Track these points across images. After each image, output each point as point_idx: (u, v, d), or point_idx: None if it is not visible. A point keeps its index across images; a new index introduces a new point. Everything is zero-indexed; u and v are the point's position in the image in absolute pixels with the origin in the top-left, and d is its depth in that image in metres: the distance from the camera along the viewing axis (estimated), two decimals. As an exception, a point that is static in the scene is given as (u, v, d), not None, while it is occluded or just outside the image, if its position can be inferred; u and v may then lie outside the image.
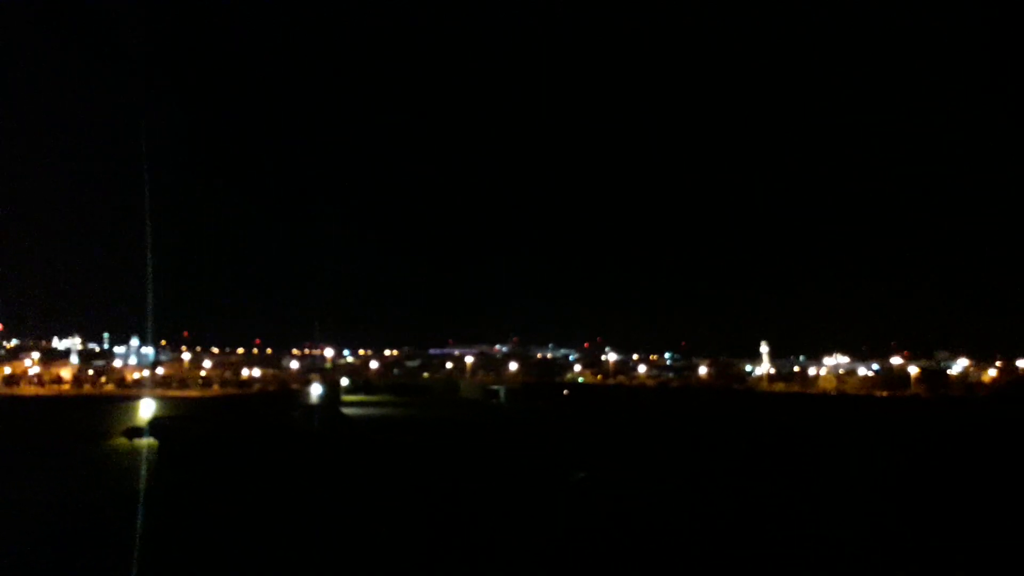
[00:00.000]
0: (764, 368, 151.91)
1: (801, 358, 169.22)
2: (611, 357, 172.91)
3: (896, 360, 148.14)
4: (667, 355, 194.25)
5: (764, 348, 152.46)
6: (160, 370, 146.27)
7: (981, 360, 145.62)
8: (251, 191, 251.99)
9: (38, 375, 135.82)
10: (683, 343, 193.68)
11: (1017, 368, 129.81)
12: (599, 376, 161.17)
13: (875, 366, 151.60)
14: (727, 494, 30.51)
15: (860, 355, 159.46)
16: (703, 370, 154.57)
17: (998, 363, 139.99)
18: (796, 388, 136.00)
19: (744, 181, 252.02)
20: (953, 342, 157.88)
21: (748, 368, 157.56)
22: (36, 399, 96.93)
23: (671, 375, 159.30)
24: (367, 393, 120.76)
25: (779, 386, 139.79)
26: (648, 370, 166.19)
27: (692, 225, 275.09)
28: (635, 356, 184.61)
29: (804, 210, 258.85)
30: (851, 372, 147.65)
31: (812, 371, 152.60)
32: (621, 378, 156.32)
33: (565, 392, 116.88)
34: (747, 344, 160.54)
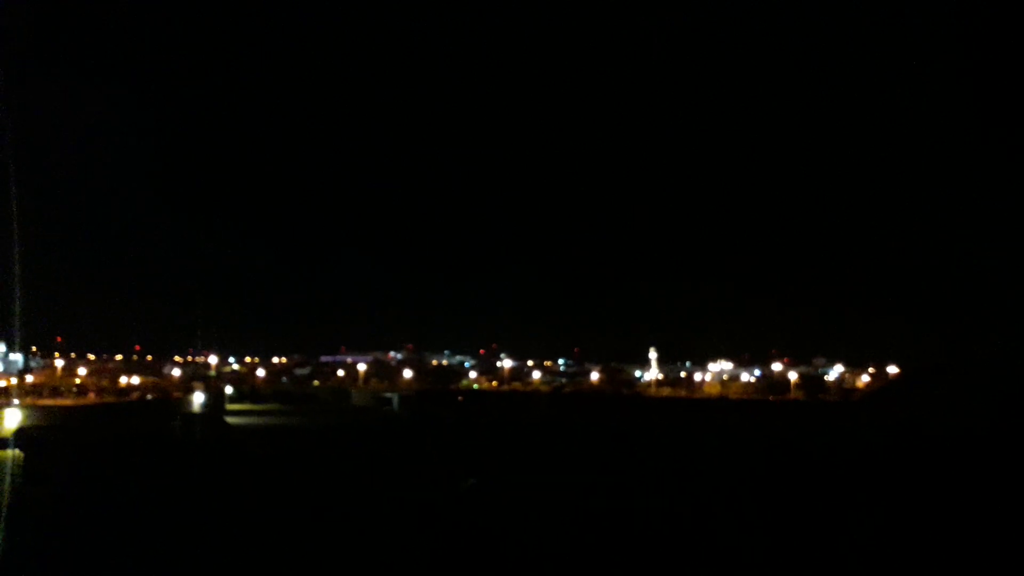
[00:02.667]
0: (652, 374, 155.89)
1: (688, 364, 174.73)
2: (506, 364, 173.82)
3: (777, 366, 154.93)
4: (560, 361, 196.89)
5: (652, 354, 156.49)
6: (30, 378, 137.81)
7: (856, 366, 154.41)
8: (131, 188, 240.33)
9: None
10: (576, 349, 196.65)
11: (887, 374, 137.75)
12: (494, 383, 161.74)
13: (757, 372, 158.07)
14: (616, 497, 30.98)
15: (743, 361, 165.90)
16: (595, 376, 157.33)
17: (871, 369, 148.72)
18: (683, 393, 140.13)
19: (629, 187, 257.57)
20: (830, 349, 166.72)
21: (638, 374, 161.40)
22: None
23: (564, 381, 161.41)
24: (253, 402, 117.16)
25: (666, 391, 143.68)
26: (542, 376, 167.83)
27: (583, 232, 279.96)
28: (530, 362, 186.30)
29: (690, 218, 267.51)
30: (735, 378, 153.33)
31: (698, 377, 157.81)
32: (516, 384, 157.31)
33: (460, 399, 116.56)
34: (637, 350, 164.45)
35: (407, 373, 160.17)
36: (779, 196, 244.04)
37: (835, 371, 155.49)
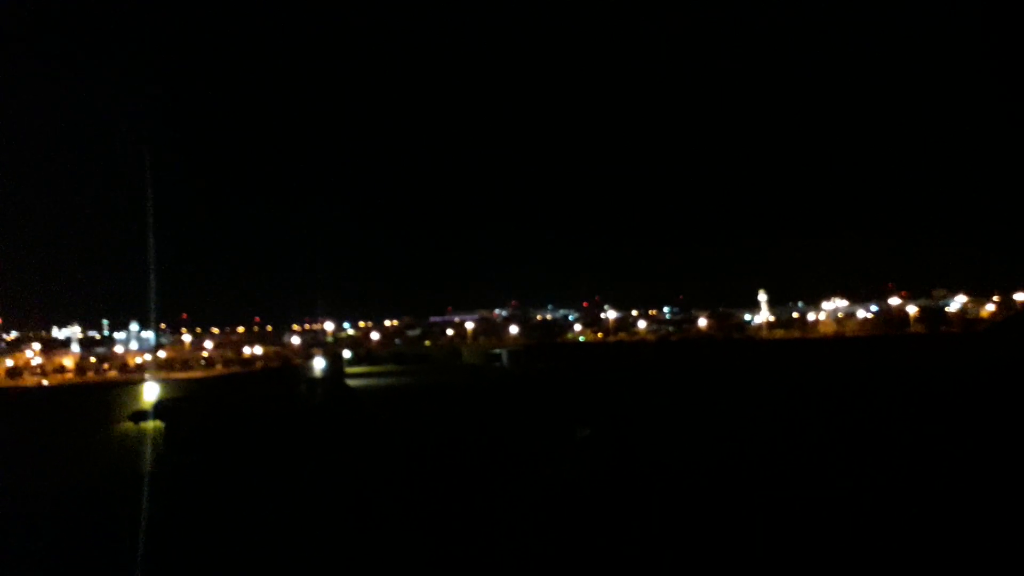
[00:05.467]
0: (763, 316, 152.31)
1: (800, 304, 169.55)
2: (610, 315, 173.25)
3: (894, 301, 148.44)
4: (665, 309, 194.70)
5: (762, 296, 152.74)
6: (162, 353, 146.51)
7: (979, 296, 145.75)
8: (244, 170, 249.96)
9: (40, 366, 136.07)
10: (680, 296, 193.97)
11: (1014, 302, 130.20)
12: (599, 334, 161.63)
13: (874, 307, 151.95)
14: (731, 447, 30.68)
15: (858, 297, 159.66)
16: (702, 322, 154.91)
17: (995, 298, 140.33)
18: (796, 334, 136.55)
19: (732, 129, 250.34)
20: (950, 280, 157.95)
21: (747, 317, 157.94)
22: (40, 389, 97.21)
23: (671, 329, 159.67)
24: (370, 364, 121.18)
25: (779, 333, 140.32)
26: (648, 325, 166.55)
27: (683, 178, 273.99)
28: (634, 312, 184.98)
29: (794, 155, 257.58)
30: (850, 315, 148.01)
31: (811, 316, 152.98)
32: (621, 335, 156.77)
33: (567, 352, 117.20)
34: (745, 293, 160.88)
35: (513, 329, 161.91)
36: (888, 125, 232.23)
37: (957, 302, 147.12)
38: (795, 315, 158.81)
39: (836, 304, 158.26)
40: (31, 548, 19.66)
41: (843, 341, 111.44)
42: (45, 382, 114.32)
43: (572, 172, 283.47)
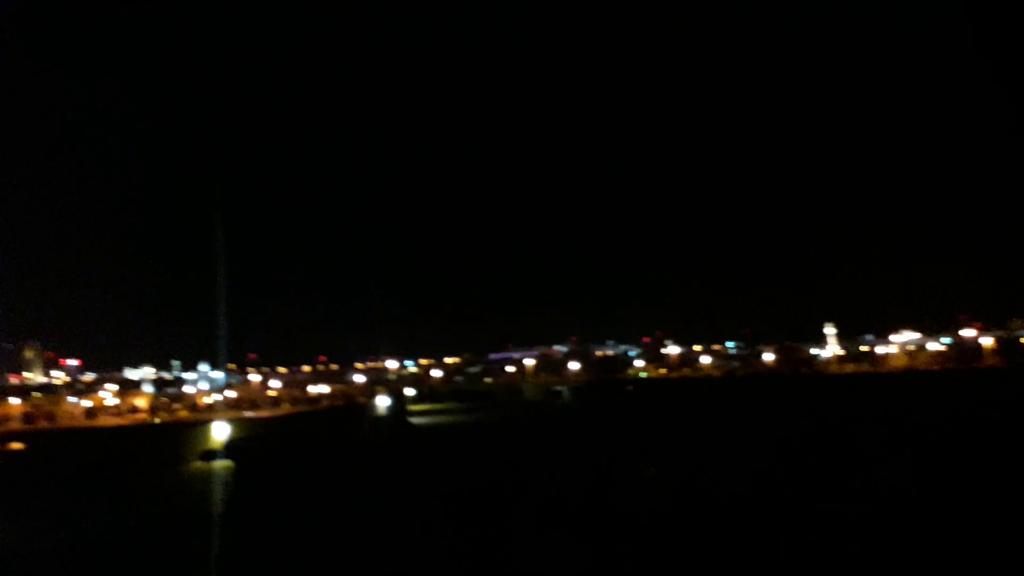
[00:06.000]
0: (831, 350, 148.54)
1: (869, 337, 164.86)
2: (673, 350, 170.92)
3: (968, 332, 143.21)
4: (730, 344, 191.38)
5: (830, 330, 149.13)
6: (231, 393, 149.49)
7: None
8: (308, 212, 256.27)
9: (116, 406, 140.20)
10: (746, 331, 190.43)
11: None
12: (662, 370, 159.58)
13: (946, 340, 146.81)
14: (804, 488, 29.60)
15: (930, 330, 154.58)
16: (768, 357, 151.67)
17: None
18: (867, 368, 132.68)
19: (799, 161, 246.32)
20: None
21: (815, 351, 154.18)
22: (116, 429, 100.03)
23: (736, 364, 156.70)
24: (432, 401, 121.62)
25: (848, 367, 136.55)
26: (712, 361, 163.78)
27: (746, 210, 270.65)
28: (697, 347, 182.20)
29: (863, 185, 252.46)
30: (921, 348, 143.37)
31: (881, 350, 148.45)
32: (685, 370, 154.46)
33: (629, 388, 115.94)
34: (812, 327, 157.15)
35: (573, 365, 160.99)
36: (960, 153, 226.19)
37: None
38: (864, 349, 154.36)
39: (907, 337, 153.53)
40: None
41: (916, 375, 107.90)
42: (120, 422, 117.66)
43: (632, 207, 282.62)
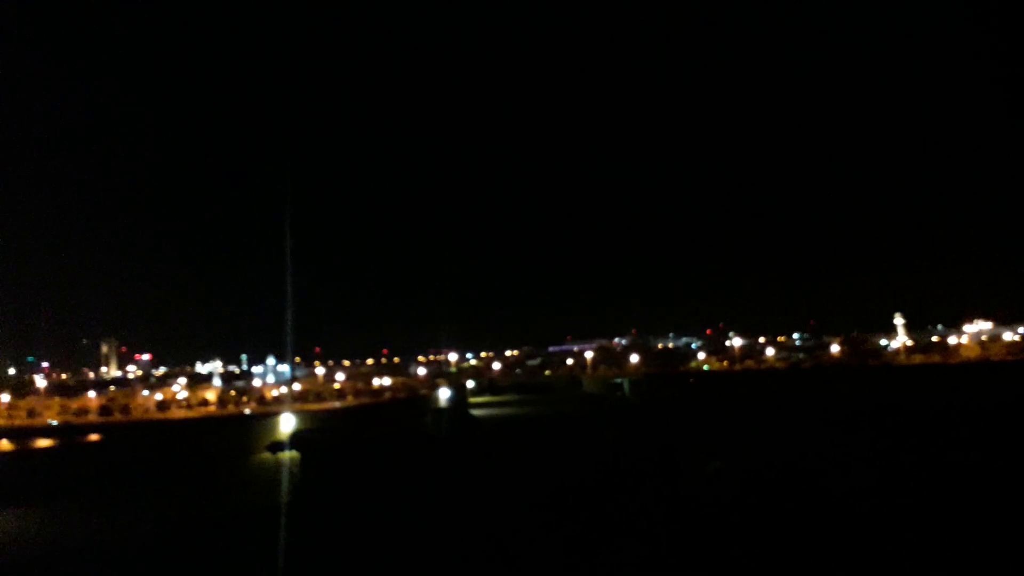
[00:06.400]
0: (900, 341, 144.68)
1: (939, 327, 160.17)
2: (736, 342, 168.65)
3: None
4: (795, 336, 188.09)
5: (899, 320, 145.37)
6: (297, 386, 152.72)
7: None
8: (372, 208, 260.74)
9: (186, 399, 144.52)
10: (812, 322, 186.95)
11: None
12: (725, 362, 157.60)
13: (1021, 329, 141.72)
14: (864, 485, 28.95)
15: (1003, 319, 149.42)
16: (835, 348, 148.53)
17: None
18: (937, 359, 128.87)
19: (867, 153, 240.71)
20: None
21: (883, 342, 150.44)
22: (186, 421, 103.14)
23: (802, 356, 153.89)
24: (492, 394, 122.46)
25: (918, 358, 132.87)
26: (776, 352, 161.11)
27: (811, 199, 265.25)
28: (761, 339, 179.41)
29: (930, 173, 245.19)
30: (995, 338, 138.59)
31: (952, 340, 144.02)
32: (749, 363, 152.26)
33: (691, 380, 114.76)
34: (880, 317, 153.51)
35: (634, 358, 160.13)
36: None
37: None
38: (935, 339, 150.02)
39: (979, 326, 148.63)
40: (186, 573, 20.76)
41: (990, 366, 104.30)
42: (190, 414, 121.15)
43: (696, 198, 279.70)
